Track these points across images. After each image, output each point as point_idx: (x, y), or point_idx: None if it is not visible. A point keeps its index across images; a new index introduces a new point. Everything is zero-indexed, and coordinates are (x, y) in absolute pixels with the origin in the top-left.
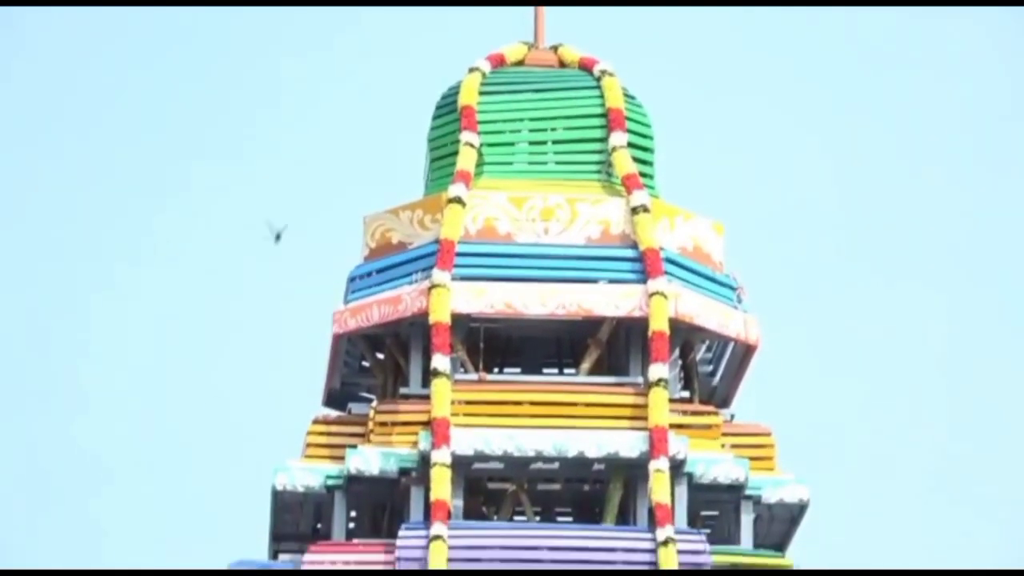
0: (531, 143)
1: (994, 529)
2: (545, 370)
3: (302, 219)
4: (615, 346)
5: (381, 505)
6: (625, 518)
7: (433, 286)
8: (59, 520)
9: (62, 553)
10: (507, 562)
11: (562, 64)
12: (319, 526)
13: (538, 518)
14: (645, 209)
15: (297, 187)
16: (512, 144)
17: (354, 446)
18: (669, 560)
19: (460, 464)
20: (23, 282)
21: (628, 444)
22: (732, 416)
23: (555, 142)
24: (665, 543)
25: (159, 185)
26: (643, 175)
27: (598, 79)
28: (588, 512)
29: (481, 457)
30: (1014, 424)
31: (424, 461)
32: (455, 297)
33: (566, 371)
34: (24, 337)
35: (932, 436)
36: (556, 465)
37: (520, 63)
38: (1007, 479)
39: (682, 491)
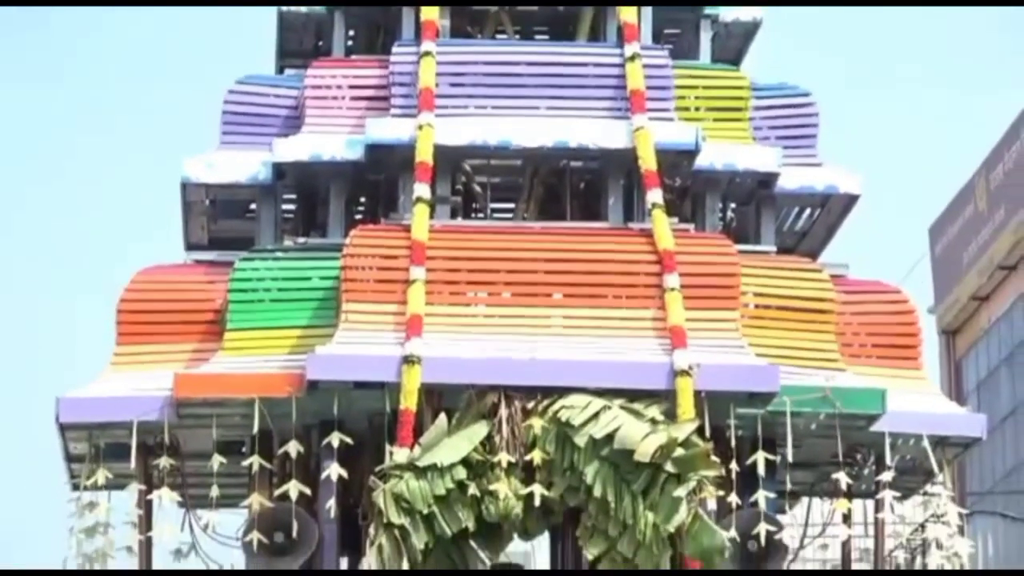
0: None
1: None
2: None
3: None
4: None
5: (377, 26)
6: (596, 34)
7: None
8: None
9: None
10: (490, 93)
11: None
12: (320, 43)
13: (518, 36)
14: None
15: None
16: None
17: None
18: (636, 76)
19: None
20: None
21: None
22: None
23: None
24: (632, 58)
25: None
26: None
27: None
28: (563, 30)
29: None
30: None
31: None
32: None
33: None
34: None
35: None
36: None
37: None
38: None
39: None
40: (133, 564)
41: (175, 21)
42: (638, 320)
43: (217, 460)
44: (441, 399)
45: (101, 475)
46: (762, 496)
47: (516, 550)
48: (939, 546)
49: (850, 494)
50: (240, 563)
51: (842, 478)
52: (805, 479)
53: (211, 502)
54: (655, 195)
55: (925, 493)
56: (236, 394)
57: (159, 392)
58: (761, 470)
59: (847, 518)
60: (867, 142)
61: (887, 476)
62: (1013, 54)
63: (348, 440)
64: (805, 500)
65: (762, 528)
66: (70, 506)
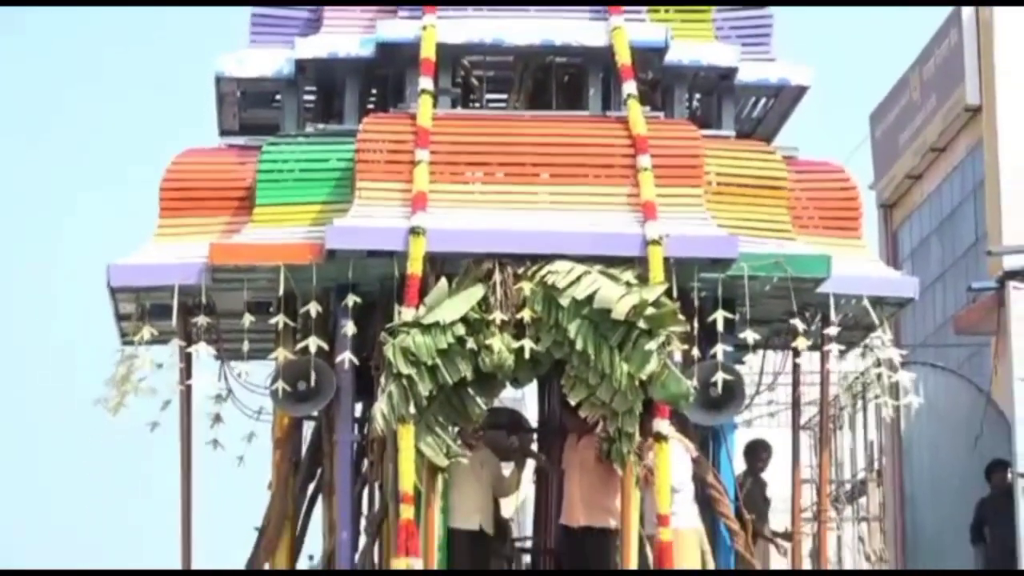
0: None
1: None
2: None
3: None
4: None
5: None
6: None
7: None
8: None
9: None
10: None
11: None
12: None
13: None
14: None
15: None
16: None
17: None
18: None
19: None
20: None
21: None
22: None
23: None
24: None
25: None
26: None
27: None
28: None
29: None
30: None
31: None
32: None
33: None
34: None
35: None
36: None
37: None
38: None
39: None
40: (164, 412)
41: None
42: (614, 196)
43: (247, 318)
44: (443, 265)
45: (146, 332)
46: (720, 349)
47: (508, 395)
48: (880, 378)
49: (796, 341)
50: (268, 407)
51: (797, 323)
52: (760, 334)
53: (243, 355)
54: (630, 87)
55: (866, 345)
56: (264, 261)
57: (197, 259)
58: (720, 327)
59: (797, 366)
60: (817, 40)
61: (832, 331)
62: None
63: (361, 301)
64: (760, 353)
65: (719, 376)
66: (116, 357)
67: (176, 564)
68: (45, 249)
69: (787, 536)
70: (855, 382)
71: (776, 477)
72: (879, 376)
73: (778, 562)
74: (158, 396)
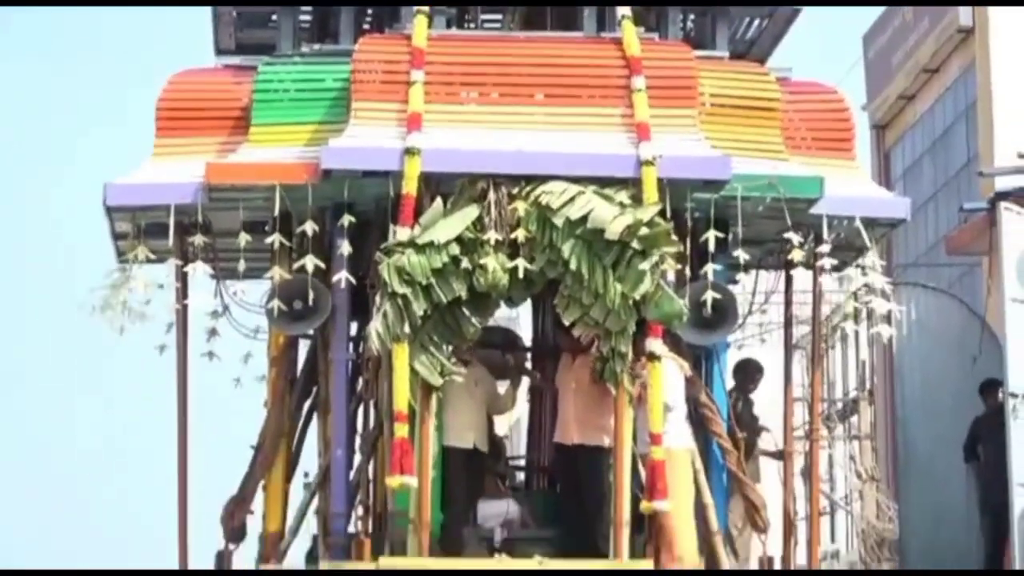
0: None
1: None
2: None
3: None
4: None
5: None
6: None
7: None
8: None
9: None
10: None
11: None
12: None
13: None
14: None
15: None
16: None
17: None
18: None
19: None
20: None
21: None
22: None
23: None
24: None
25: None
26: None
27: None
28: None
29: None
30: None
31: None
32: None
33: None
34: None
35: None
36: None
37: None
38: None
39: None
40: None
41: None
42: (609, 117)
43: (243, 238)
44: (438, 186)
45: (142, 251)
46: (710, 268)
47: (502, 315)
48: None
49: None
50: (264, 326)
51: (792, 236)
52: (753, 255)
53: (239, 274)
54: (624, 8)
55: (858, 265)
56: (260, 180)
57: (193, 179)
58: (713, 247)
59: (790, 279)
60: None
61: (824, 249)
62: None
63: (357, 221)
64: (752, 273)
65: (711, 296)
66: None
67: (172, 481)
68: (51, 173)
69: (779, 455)
70: (843, 304)
71: (768, 397)
72: (867, 304)
73: (771, 477)
74: (149, 320)
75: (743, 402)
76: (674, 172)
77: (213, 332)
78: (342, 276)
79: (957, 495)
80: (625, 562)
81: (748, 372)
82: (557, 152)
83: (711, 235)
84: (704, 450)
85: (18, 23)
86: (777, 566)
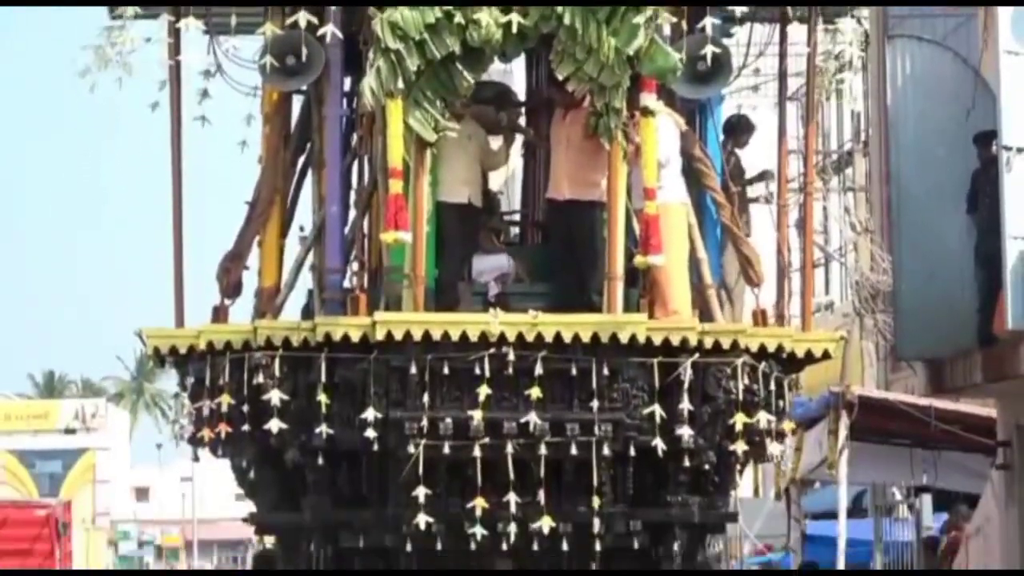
0: None
1: None
2: None
3: None
4: None
5: None
6: None
7: None
8: None
9: None
10: None
11: None
12: None
13: None
14: None
15: None
16: None
17: None
18: None
19: None
20: None
21: None
22: None
23: None
24: None
25: None
26: None
27: None
28: None
29: None
30: None
31: None
32: None
33: None
34: None
35: None
36: None
37: None
38: None
39: None
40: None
41: None
42: None
43: None
44: None
45: (131, 10)
46: (709, 22)
47: (496, 69)
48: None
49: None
50: (258, 82)
51: None
52: (747, 6)
53: (231, 29)
54: None
55: (853, 16)
56: None
57: None
58: None
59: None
60: None
61: None
62: None
63: None
64: (747, 26)
65: (708, 50)
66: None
67: (167, 237)
68: None
69: (762, 176)
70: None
71: (763, 151)
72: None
73: (763, 225)
74: (137, 73)
75: (736, 159)
76: None
77: (204, 93)
78: (328, 29)
79: (951, 247)
80: (619, 316)
81: (740, 127)
82: None
83: None
84: (698, 204)
85: None
86: (771, 321)
